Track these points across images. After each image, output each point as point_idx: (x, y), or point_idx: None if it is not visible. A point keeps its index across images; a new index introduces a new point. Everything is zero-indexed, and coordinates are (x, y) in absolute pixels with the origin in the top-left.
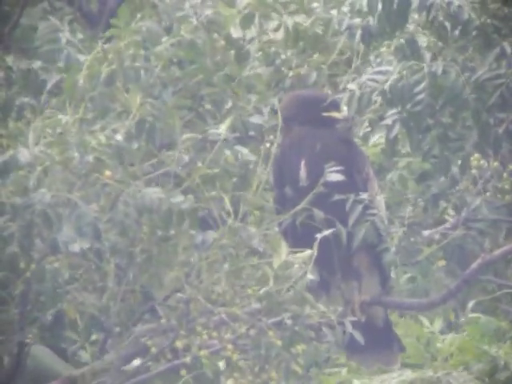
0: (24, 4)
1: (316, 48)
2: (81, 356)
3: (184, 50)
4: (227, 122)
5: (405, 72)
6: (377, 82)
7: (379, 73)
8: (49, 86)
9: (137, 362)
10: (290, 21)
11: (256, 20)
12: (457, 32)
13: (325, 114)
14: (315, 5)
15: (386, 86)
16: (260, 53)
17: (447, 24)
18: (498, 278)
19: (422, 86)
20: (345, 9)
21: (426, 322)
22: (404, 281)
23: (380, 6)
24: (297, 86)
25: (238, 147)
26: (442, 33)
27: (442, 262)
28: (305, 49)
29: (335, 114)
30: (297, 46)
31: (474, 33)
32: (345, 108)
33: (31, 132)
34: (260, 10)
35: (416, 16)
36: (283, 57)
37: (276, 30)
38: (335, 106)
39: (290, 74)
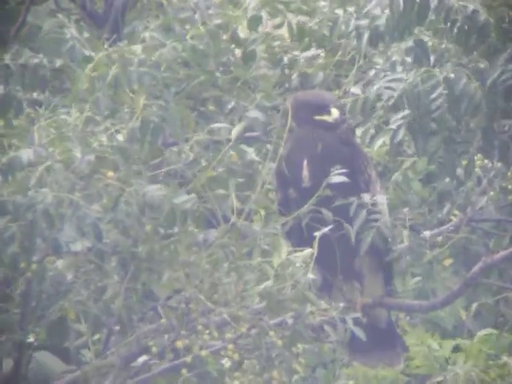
0: (29, 3)
1: (323, 46)
2: (83, 355)
3: (187, 53)
4: (239, 126)
5: (419, 78)
6: (393, 89)
7: (394, 80)
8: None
9: (142, 359)
10: (293, 19)
11: (263, 19)
12: (474, 36)
13: (317, 118)
14: (322, 3)
15: (403, 93)
16: (266, 54)
17: (466, 27)
18: (503, 279)
19: (438, 92)
20: (350, 9)
21: (435, 345)
22: (411, 282)
23: (401, 5)
24: (303, 87)
25: (244, 147)
26: (460, 37)
27: (448, 261)
28: (310, 45)
29: (326, 118)
30: (302, 42)
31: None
32: (335, 110)
33: (36, 132)
34: (266, 8)
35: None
36: (289, 56)
37: (278, 26)
38: (326, 109)
39: (295, 75)
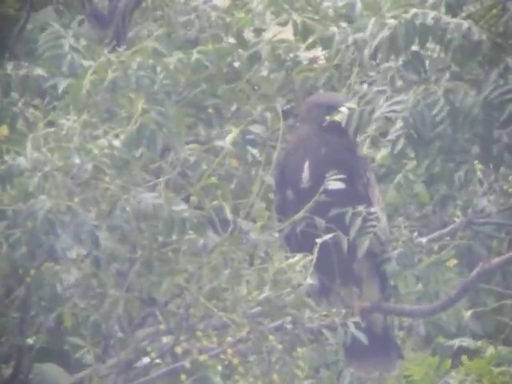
0: (30, 7)
1: (326, 48)
2: (84, 358)
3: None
4: (232, 133)
5: (419, 97)
6: (397, 111)
7: (395, 103)
8: (60, 89)
9: (142, 362)
10: (298, 17)
11: (267, 19)
12: (467, 53)
13: (327, 119)
14: (326, 4)
15: (407, 113)
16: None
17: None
18: (507, 283)
19: (439, 106)
20: (344, 24)
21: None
22: (414, 286)
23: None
24: (305, 88)
25: (248, 148)
26: (457, 56)
27: (452, 262)
28: (314, 44)
29: (335, 118)
30: (306, 40)
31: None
32: (344, 109)
33: (29, 141)
34: (271, 8)
35: None
36: (292, 55)
37: (283, 24)
38: (336, 110)
39: (298, 77)
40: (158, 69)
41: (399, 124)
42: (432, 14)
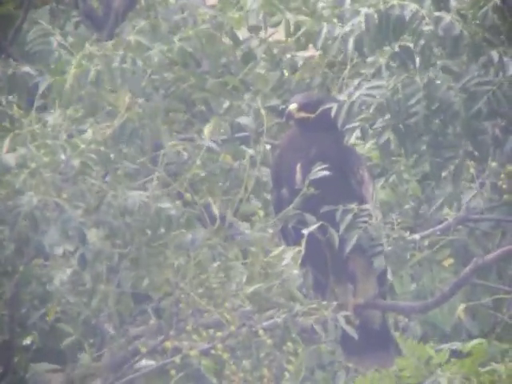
0: (28, 7)
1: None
2: (79, 358)
3: (175, 55)
4: (210, 125)
5: (399, 85)
6: (374, 96)
7: (374, 87)
8: (41, 89)
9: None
10: (292, 18)
11: (261, 19)
12: (447, 47)
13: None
14: (321, 5)
15: (383, 100)
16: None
17: (435, 42)
18: (503, 280)
19: (417, 97)
20: (334, 20)
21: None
22: (410, 284)
23: (376, 21)
24: (301, 88)
25: (243, 147)
26: (425, 49)
27: (448, 261)
28: (306, 45)
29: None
30: (298, 41)
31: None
32: (292, 105)
33: (8, 138)
34: (265, 9)
35: None
36: (288, 56)
37: (276, 24)
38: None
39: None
40: (143, 62)
41: (372, 108)
42: (411, 6)
